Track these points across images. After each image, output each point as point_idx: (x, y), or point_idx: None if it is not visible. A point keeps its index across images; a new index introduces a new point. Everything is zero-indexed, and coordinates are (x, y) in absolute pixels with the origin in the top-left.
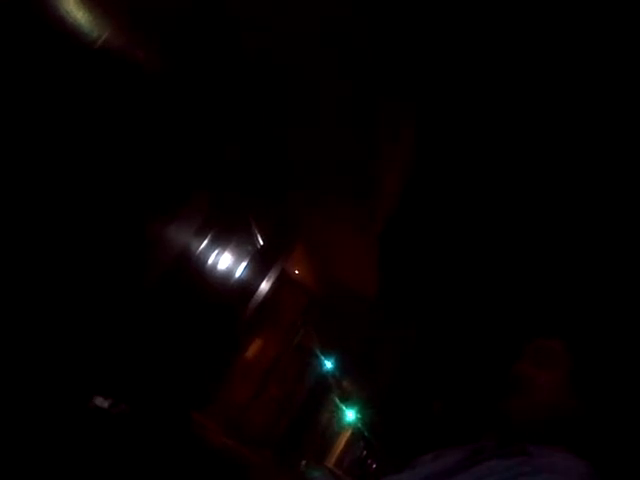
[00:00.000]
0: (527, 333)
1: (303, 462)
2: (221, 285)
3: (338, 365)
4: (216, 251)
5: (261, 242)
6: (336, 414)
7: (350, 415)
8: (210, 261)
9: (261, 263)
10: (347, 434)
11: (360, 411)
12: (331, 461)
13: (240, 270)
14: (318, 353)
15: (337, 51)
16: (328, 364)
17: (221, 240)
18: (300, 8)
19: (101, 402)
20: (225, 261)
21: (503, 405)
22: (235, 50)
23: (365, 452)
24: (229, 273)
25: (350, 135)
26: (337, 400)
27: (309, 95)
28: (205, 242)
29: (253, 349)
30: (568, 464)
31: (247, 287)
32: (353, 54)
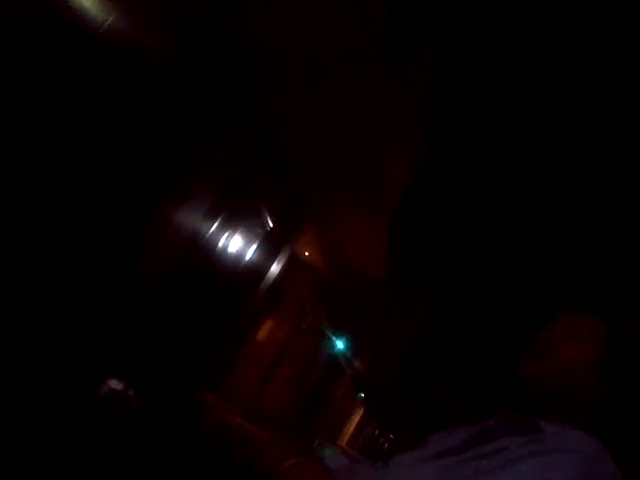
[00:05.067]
0: (552, 308)
1: (316, 442)
2: (231, 268)
3: (349, 346)
4: (226, 234)
5: (271, 225)
6: (347, 394)
7: (362, 395)
8: (220, 244)
9: (271, 245)
10: (359, 414)
11: (371, 391)
12: (344, 440)
13: (250, 253)
14: (329, 334)
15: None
16: (339, 345)
17: (231, 223)
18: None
19: (115, 384)
20: (235, 244)
21: (524, 369)
22: (241, 31)
23: (377, 431)
24: (239, 256)
25: (358, 115)
26: (349, 380)
27: (314, 78)
28: (215, 225)
29: (264, 331)
30: (581, 443)
31: (257, 269)
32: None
